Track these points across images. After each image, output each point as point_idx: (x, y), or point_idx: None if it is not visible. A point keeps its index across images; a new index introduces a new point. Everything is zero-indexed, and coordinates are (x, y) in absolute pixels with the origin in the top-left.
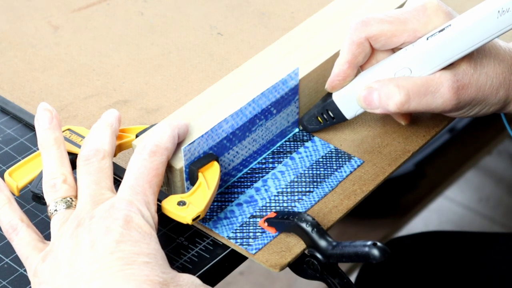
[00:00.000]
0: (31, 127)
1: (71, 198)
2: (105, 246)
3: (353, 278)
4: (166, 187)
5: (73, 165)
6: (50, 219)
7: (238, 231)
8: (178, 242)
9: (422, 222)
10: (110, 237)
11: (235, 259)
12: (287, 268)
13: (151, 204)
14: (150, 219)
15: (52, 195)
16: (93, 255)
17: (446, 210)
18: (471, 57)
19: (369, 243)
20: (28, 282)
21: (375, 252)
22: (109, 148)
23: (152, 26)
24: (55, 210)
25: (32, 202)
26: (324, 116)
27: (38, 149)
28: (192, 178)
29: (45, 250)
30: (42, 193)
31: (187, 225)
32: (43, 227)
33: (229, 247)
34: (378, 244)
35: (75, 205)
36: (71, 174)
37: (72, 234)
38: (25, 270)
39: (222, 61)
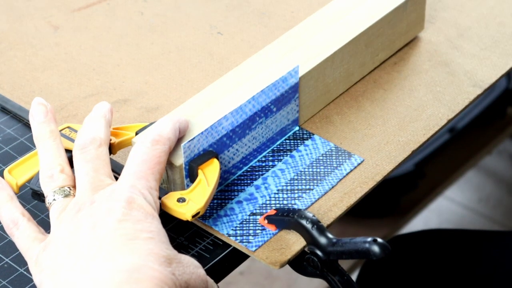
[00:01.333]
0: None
1: (69, 188)
2: (107, 226)
3: (354, 276)
4: (166, 185)
5: (72, 163)
6: (49, 210)
7: (238, 228)
8: (178, 242)
9: (422, 222)
10: (112, 217)
11: (235, 259)
12: (288, 268)
13: (153, 190)
14: (152, 202)
15: (49, 185)
16: (94, 235)
17: (446, 210)
18: None
19: (369, 239)
20: (28, 282)
21: (376, 248)
22: (105, 136)
23: (152, 25)
24: (53, 199)
25: (32, 201)
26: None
27: None
28: (191, 175)
29: (45, 241)
30: (42, 190)
31: (187, 224)
32: (43, 227)
33: (229, 247)
34: (379, 240)
35: (73, 194)
36: (68, 165)
37: (72, 219)
38: (25, 270)
39: (222, 60)
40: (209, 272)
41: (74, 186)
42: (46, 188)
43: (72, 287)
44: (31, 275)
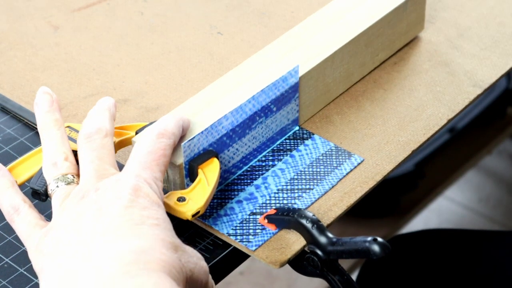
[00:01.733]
0: (31, 126)
1: (72, 175)
2: (113, 212)
3: (354, 276)
4: (166, 184)
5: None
6: (51, 198)
7: (238, 228)
8: None
9: (422, 222)
10: (119, 203)
11: (235, 259)
12: (288, 268)
13: (158, 181)
14: (158, 192)
15: (53, 173)
16: (99, 221)
17: (446, 210)
18: None
19: (369, 238)
20: (28, 282)
21: (376, 247)
22: (110, 128)
23: (152, 25)
24: (57, 186)
25: (33, 201)
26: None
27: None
28: (191, 175)
29: (47, 227)
30: (42, 189)
31: (187, 224)
32: None
33: (229, 247)
34: (379, 239)
35: (76, 182)
36: (72, 154)
37: (75, 206)
38: (25, 270)
39: (222, 60)
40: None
41: (78, 175)
42: (49, 175)
43: (74, 275)
44: (31, 275)
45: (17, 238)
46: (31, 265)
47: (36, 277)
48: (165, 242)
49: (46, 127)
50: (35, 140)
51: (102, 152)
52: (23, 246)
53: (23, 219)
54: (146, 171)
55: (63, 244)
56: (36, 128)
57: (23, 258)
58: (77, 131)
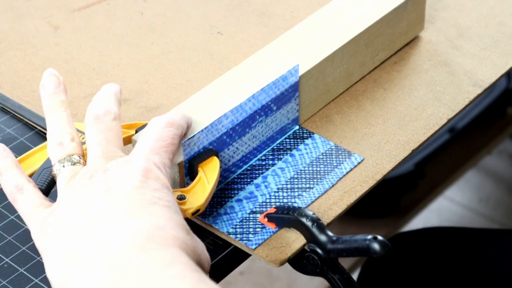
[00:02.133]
0: (31, 126)
1: (78, 156)
2: (122, 192)
3: (355, 275)
4: None
5: None
6: (56, 179)
7: (238, 226)
8: None
9: (422, 222)
10: (129, 184)
11: (235, 258)
12: (288, 268)
13: (167, 167)
14: (167, 177)
15: (58, 153)
16: (107, 201)
17: (446, 210)
18: None
19: (369, 237)
20: (28, 282)
21: (376, 246)
22: (118, 111)
23: (152, 25)
24: (62, 166)
25: None
26: None
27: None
28: (191, 173)
29: (51, 207)
30: (43, 186)
31: (187, 223)
32: None
33: (229, 247)
34: (379, 237)
35: (83, 163)
36: (77, 135)
37: (82, 187)
38: (25, 270)
39: (222, 60)
40: (209, 272)
41: (83, 155)
42: (54, 156)
43: (80, 255)
44: (31, 275)
45: (17, 238)
46: (31, 265)
47: (36, 277)
48: (177, 223)
49: (51, 109)
50: (35, 140)
51: (110, 134)
52: (23, 246)
53: (27, 198)
54: (155, 156)
55: (68, 224)
56: (36, 128)
57: (23, 258)
58: (77, 130)
